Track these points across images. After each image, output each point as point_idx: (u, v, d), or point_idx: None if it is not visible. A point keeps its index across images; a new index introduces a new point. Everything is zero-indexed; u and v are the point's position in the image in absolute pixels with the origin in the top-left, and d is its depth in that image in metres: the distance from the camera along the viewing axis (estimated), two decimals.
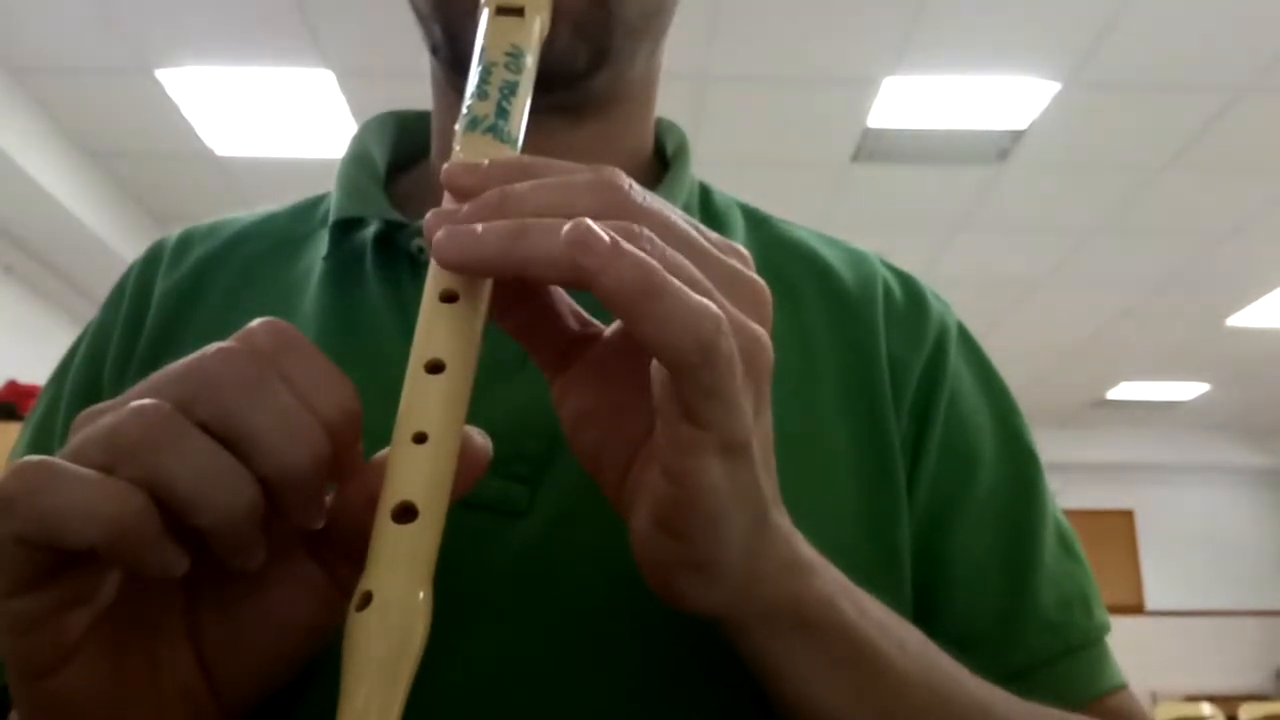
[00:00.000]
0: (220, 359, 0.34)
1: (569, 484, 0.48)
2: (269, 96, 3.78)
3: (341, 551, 0.37)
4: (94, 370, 0.59)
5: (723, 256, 0.37)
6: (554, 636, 0.46)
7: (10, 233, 4.30)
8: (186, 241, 0.63)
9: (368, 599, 0.32)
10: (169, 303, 0.59)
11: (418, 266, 0.54)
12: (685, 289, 0.33)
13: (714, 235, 0.38)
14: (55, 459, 0.32)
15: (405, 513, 0.33)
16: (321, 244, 0.59)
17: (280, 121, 3.96)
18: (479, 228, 0.34)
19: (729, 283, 0.36)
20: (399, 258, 0.56)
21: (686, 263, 0.35)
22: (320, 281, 0.57)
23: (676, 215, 0.37)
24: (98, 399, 0.54)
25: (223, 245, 0.62)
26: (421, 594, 0.32)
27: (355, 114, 3.82)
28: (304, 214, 0.64)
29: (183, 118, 3.89)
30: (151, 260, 0.63)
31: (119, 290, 0.63)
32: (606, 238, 0.32)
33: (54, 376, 0.62)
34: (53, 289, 4.74)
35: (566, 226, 0.32)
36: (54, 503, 0.31)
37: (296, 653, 0.38)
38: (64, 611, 0.34)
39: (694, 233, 0.37)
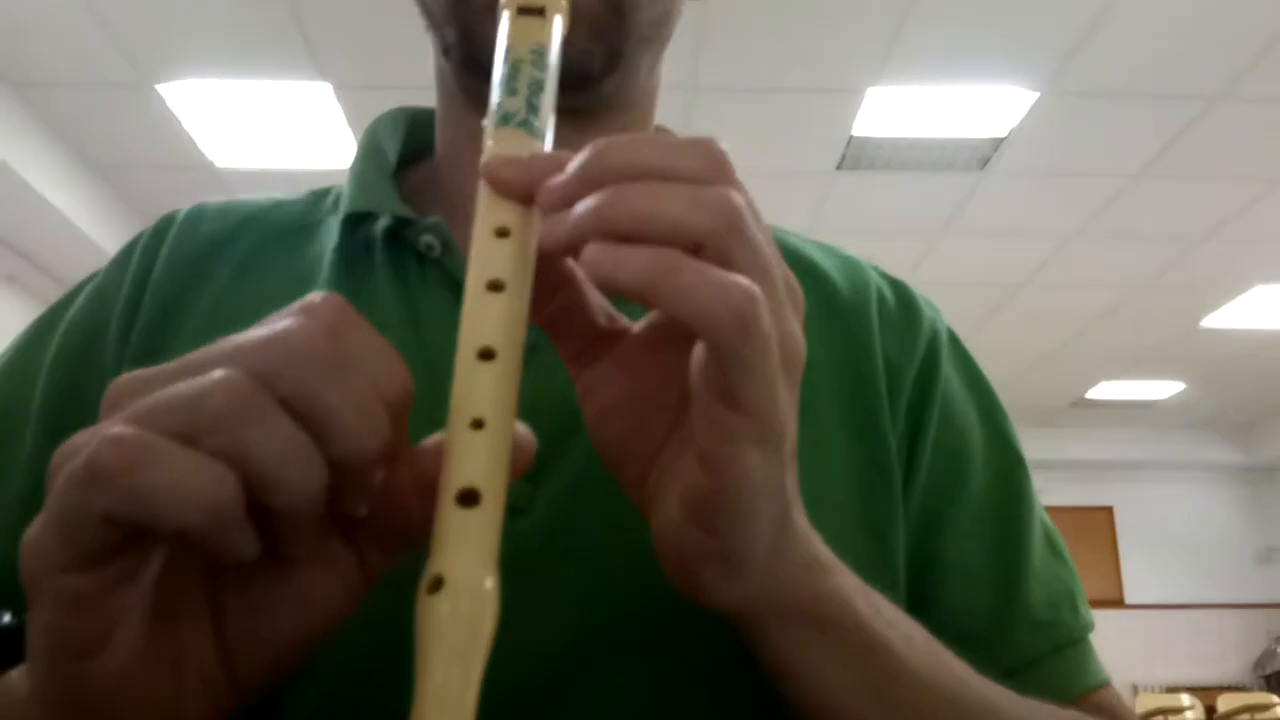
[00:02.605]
0: (299, 333, 0.32)
1: (569, 482, 0.48)
2: (268, 109, 3.80)
3: (375, 535, 0.36)
4: (94, 324, 0.59)
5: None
6: (552, 636, 0.46)
7: (13, 243, 4.30)
8: (198, 216, 0.63)
9: (439, 583, 0.31)
10: (177, 271, 0.59)
11: (425, 262, 0.55)
12: (718, 269, 0.33)
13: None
14: (152, 434, 0.30)
15: (469, 497, 0.32)
16: (331, 233, 0.59)
17: (279, 134, 3.98)
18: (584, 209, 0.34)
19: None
20: (407, 253, 0.56)
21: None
22: (330, 272, 0.57)
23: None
24: (98, 355, 0.57)
25: (235, 225, 0.62)
26: (489, 581, 0.31)
27: (352, 126, 3.84)
28: (314, 204, 0.64)
29: (183, 130, 3.90)
30: (160, 230, 0.63)
31: (126, 253, 0.62)
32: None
33: (43, 318, 0.62)
34: (55, 298, 4.69)
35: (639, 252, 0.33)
36: (153, 481, 0.29)
37: (313, 636, 0.37)
38: (114, 589, 0.32)
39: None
